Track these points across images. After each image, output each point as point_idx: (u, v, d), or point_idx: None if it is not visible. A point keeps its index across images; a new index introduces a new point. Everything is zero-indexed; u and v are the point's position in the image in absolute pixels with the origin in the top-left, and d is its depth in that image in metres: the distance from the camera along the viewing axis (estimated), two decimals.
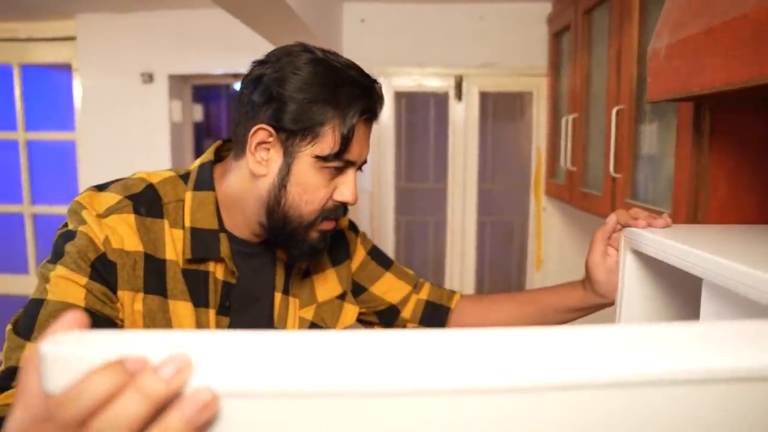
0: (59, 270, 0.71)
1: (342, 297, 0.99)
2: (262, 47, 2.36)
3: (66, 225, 0.76)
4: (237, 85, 3.27)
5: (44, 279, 0.72)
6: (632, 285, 0.83)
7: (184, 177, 0.85)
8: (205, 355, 0.29)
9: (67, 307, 0.69)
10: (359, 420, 0.30)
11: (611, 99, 1.52)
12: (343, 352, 0.30)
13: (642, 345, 0.31)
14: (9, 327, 0.71)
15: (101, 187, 0.79)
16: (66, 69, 2.82)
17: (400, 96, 2.63)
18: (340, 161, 0.80)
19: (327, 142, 0.78)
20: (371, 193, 2.60)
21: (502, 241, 2.81)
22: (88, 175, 2.78)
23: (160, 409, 0.29)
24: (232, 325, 0.84)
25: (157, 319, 0.76)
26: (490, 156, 2.74)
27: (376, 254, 1.07)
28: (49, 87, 2.97)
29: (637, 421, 0.31)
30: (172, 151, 2.74)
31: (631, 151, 1.42)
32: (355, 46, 2.47)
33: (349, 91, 0.78)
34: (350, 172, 0.83)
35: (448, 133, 2.61)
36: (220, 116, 4.17)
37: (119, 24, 2.67)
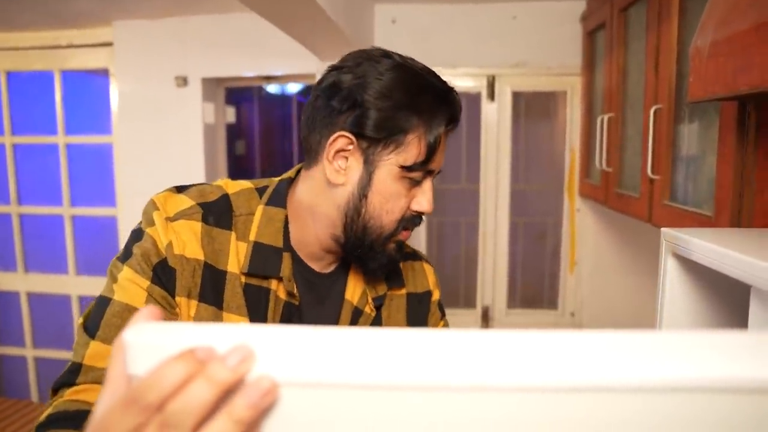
0: (125, 272, 0.73)
1: None
2: (293, 50, 2.38)
3: (140, 222, 0.77)
4: (269, 87, 3.30)
5: (113, 278, 0.74)
6: (674, 291, 0.81)
7: (261, 190, 0.83)
8: (266, 347, 0.33)
9: (129, 309, 0.71)
10: (403, 411, 0.33)
11: (649, 98, 1.48)
12: (389, 348, 0.32)
13: (656, 351, 0.32)
14: (80, 321, 0.74)
15: (180, 189, 0.79)
16: (103, 74, 2.89)
17: None
18: (423, 171, 0.77)
19: (411, 151, 0.75)
20: None
21: (535, 242, 2.78)
22: (125, 177, 2.84)
23: (226, 395, 0.32)
24: None
25: None
26: (522, 156, 2.71)
27: (440, 305, 1.02)
28: (87, 92, 3.05)
29: (646, 428, 0.32)
30: (205, 152, 2.79)
31: (669, 151, 1.38)
32: (387, 47, 2.45)
33: (432, 99, 0.76)
34: (428, 182, 0.80)
35: (481, 133, 2.59)
36: (251, 118, 4.21)
37: (154, 30, 2.72)
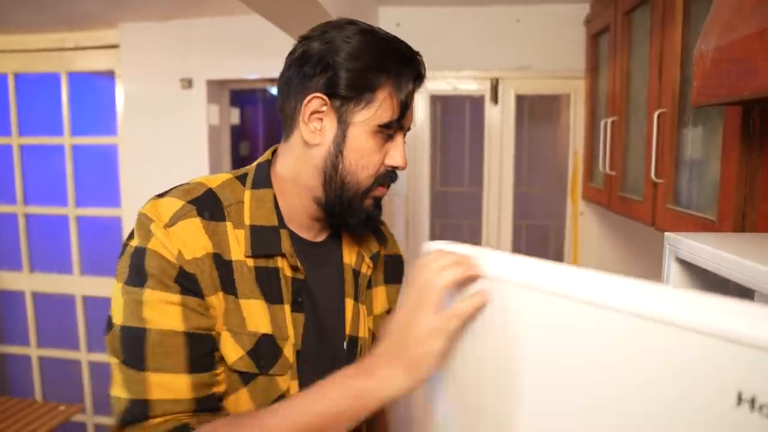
0: (151, 295, 0.71)
1: (389, 312, 1.01)
2: None
3: (133, 237, 0.76)
4: (273, 90, 3.31)
5: (136, 303, 0.72)
6: None
7: (242, 178, 0.86)
8: (492, 260, 0.61)
9: (169, 334, 0.71)
10: (596, 323, 0.50)
11: (652, 102, 1.49)
12: (582, 278, 0.53)
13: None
14: (115, 360, 0.72)
15: (161, 195, 0.80)
16: (109, 76, 2.90)
17: (435, 99, 2.62)
18: (396, 127, 0.82)
19: (385, 109, 0.80)
20: (406, 197, 2.60)
21: (538, 245, 2.78)
22: (130, 178, 2.85)
23: (463, 284, 0.62)
24: (308, 323, 0.83)
25: (232, 317, 0.77)
26: (526, 159, 2.71)
27: None
28: (93, 93, 3.06)
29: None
30: (210, 153, 2.79)
31: (673, 155, 1.38)
32: None
33: (398, 60, 0.81)
34: (399, 138, 0.84)
35: (484, 136, 2.59)
36: (256, 119, 4.23)
37: (159, 32, 2.73)
